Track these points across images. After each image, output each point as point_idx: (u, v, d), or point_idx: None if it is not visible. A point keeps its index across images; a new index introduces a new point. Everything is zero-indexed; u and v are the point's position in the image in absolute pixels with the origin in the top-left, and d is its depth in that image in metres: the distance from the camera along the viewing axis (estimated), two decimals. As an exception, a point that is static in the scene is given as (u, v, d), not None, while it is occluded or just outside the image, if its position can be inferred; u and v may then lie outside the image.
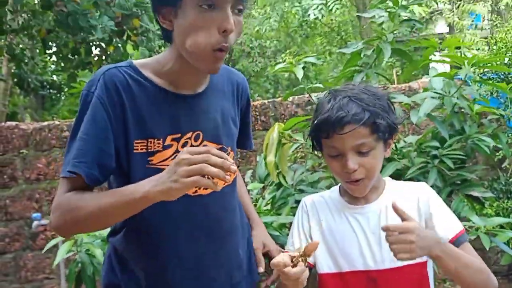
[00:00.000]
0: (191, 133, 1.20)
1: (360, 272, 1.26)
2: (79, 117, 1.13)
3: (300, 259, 1.06)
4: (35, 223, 3.31)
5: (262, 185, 2.25)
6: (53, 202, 1.13)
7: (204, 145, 1.21)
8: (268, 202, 2.08)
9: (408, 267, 1.23)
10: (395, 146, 2.36)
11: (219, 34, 1.07)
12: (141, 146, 1.15)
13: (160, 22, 1.15)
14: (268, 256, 1.48)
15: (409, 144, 2.44)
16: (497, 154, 3.34)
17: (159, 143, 1.16)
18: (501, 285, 3.81)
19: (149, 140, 1.15)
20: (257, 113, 3.99)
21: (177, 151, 1.17)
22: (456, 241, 1.24)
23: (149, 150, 1.16)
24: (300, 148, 2.41)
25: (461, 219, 2.04)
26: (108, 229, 1.29)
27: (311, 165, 2.25)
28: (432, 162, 2.16)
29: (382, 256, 1.24)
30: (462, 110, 2.36)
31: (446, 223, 1.26)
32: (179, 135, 1.18)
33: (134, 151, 1.15)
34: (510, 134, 3.22)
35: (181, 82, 1.20)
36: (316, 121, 1.24)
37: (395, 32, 2.27)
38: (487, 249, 1.91)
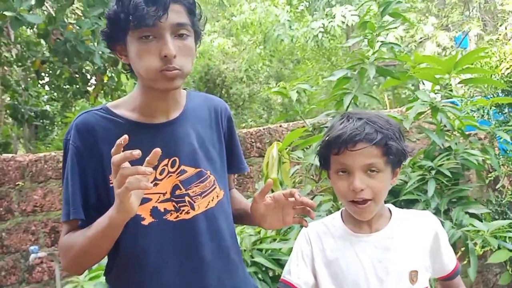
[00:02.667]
0: (167, 160, 1.23)
1: None
2: (63, 163, 1.24)
3: None
4: (32, 255, 3.27)
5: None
6: (60, 239, 1.24)
7: (181, 170, 1.25)
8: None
9: None
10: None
11: (161, 59, 1.13)
12: None
13: (119, 57, 1.24)
14: None
15: (403, 165, 2.49)
16: (489, 175, 3.39)
17: None
18: (501, 305, 3.80)
19: None
20: (253, 140, 4.03)
21: (155, 179, 1.21)
22: (456, 272, 1.33)
23: None
24: (297, 173, 2.45)
25: (463, 226, 2.07)
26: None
27: (310, 190, 2.28)
28: (430, 174, 2.21)
29: (389, 285, 1.24)
30: (448, 130, 2.44)
31: (450, 256, 1.33)
32: (156, 163, 1.21)
33: (111, 184, 1.16)
34: (501, 155, 3.28)
35: (153, 111, 1.25)
36: (328, 137, 1.25)
37: (375, 54, 2.35)
38: (495, 248, 1.95)
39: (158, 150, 1.02)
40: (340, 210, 1.39)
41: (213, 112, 1.38)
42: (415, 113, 2.24)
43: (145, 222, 1.20)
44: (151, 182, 1.19)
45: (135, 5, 1.10)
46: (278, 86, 2.50)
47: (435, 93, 2.56)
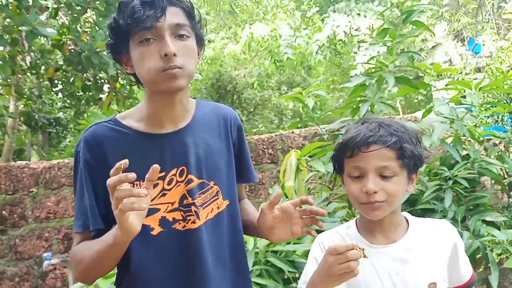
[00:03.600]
0: (175, 169, 1.24)
1: None
2: (74, 175, 1.26)
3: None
4: (45, 262, 3.30)
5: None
6: (71, 251, 1.25)
7: (188, 179, 1.25)
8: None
9: None
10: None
11: (162, 59, 1.14)
12: None
13: (124, 69, 1.26)
14: None
15: (418, 172, 2.47)
16: (504, 180, 3.35)
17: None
18: (518, 313, 3.74)
19: (135, 183, 1.17)
20: (265, 146, 4.03)
21: (163, 189, 1.22)
22: (472, 282, 1.30)
23: None
24: (312, 179, 2.43)
25: (481, 235, 2.04)
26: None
27: (325, 197, 2.27)
28: (447, 184, 2.18)
29: None
30: (465, 137, 2.41)
31: (466, 265, 1.30)
32: (164, 173, 1.22)
33: None
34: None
35: (160, 121, 1.25)
36: (342, 140, 1.24)
37: (394, 62, 2.33)
38: None
39: (156, 166, 1.02)
40: (354, 219, 1.36)
41: (222, 121, 1.37)
42: (440, 133, 2.20)
43: (154, 232, 1.21)
44: (159, 193, 1.21)
45: (132, 9, 1.13)
46: (293, 92, 2.49)
47: (460, 101, 2.52)
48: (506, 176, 3.43)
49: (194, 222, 1.23)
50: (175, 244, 1.23)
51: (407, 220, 1.30)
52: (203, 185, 1.27)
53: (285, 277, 1.88)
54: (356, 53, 8.01)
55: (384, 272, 1.23)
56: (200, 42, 1.27)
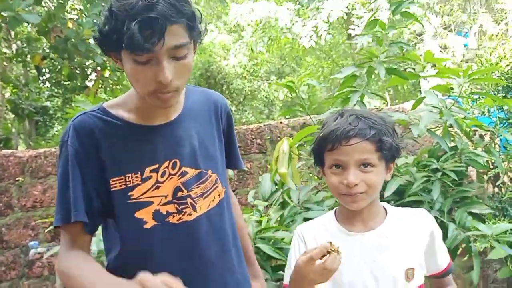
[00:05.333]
0: (167, 162, 1.21)
1: None
2: (60, 166, 1.18)
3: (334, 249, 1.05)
4: (32, 251, 3.28)
5: (266, 203, 2.27)
6: (59, 254, 1.18)
7: (182, 172, 1.23)
8: (277, 220, 2.10)
9: None
10: (396, 164, 2.40)
11: (155, 83, 1.07)
12: (119, 183, 1.18)
13: (114, 61, 1.18)
14: None
15: (406, 164, 2.50)
16: (490, 172, 3.39)
17: (137, 177, 1.18)
18: (502, 302, 3.81)
19: (127, 175, 1.18)
20: (253, 136, 4.02)
21: (157, 182, 1.20)
22: (448, 270, 1.34)
23: (128, 186, 1.18)
24: (302, 169, 2.44)
25: (466, 229, 2.07)
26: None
27: (314, 185, 2.28)
28: (435, 176, 2.21)
29: (385, 284, 1.24)
30: (453, 129, 2.43)
31: (443, 254, 1.33)
32: (157, 165, 1.20)
33: (112, 189, 1.17)
34: (502, 152, 3.28)
35: (152, 114, 1.21)
36: (322, 134, 1.25)
37: (384, 52, 2.33)
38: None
39: None
40: (333, 210, 1.39)
41: (212, 107, 1.36)
42: (427, 122, 2.21)
43: (148, 226, 1.19)
44: (153, 185, 1.19)
45: (129, 34, 1.00)
46: (284, 80, 2.48)
47: (443, 95, 2.54)
48: (491, 167, 3.47)
49: (190, 214, 1.22)
50: (170, 237, 1.21)
51: (385, 210, 1.33)
52: (201, 175, 1.26)
53: (273, 264, 1.89)
54: (351, 35, 7.93)
55: (361, 259, 1.26)
56: (198, 41, 1.18)
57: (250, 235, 1.66)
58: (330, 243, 1.05)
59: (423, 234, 1.29)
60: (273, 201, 2.31)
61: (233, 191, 2.21)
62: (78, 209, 1.14)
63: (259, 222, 2.05)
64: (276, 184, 2.40)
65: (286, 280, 1.34)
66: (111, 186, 1.17)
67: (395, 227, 1.29)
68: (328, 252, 1.05)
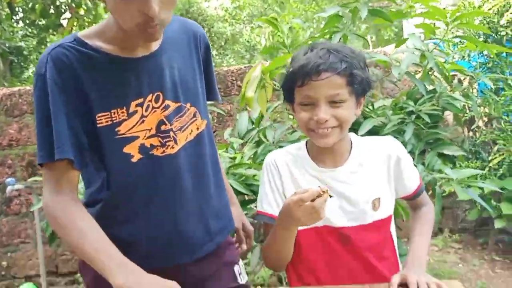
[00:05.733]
0: (151, 95, 1.19)
1: (334, 229, 1.29)
2: (37, 101, 1.12)
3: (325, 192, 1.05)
4: (9, 188, 3.25)
5: (241, 141, 2.28)
6: (44, 194, 1.15)
7: (165, 105, 1.21)
8: (250, 157, 2.11)
9: (376, 223, 1.30)
10: (372, 105, 2.42)
11: (142, 16, 1.03)
12: (105, 119, 1.15)
13: None
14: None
15: (383, 106, 2.51)
16: (465, 115, 3.45)
17: (123, 112, 1.16)
18: (469, 241, 3.99)
19: (113, 111, 1.15)
20: (234, 78, 3.98)
21: (142, 116, 1.18)
22: (419, 191, 1.37)
23: (115, 121, 1.16)
24: (279, 108, 2.44)
25: (435, 172, 2.13)
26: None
27: (290, 125, 2.29)
28: (409, 118, 2.23)
29: (353, 215, 1.28)
30: (433, 73, 2.43)
31: (412, 177, 1.35)
32: (142, 99, 1.18)
33: (99, 125, 1.15)
34: (479, 97, 3.33)
35: (132, 45, 1.17)
36: (292, 69, 1.23)
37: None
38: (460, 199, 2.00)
39: None
40: (305, 141, 1.39)
41: (192, 38, 1.33)
42: (409, 63, 2.20)
43: (134, 159, 1.19)
44: (139, 120, 1.18)
45: None
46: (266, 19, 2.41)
47: (426, 39, 2.52)
48: (467, 112, 3.53)
49: (172, 147, 1.22)
50: (155, 169, 1.21)
51: (352, 142, 1.35)
52: (180, 109, 1.25)
53: (242, 199, 1.92)
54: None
55: (331, 193, 1.27)
56: None
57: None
58: (320, 187, 1.06)
59: (389, 161, 1.32)
60: (248, 139, 2.32)
61: (213, 132, 2.21)
62: (62, 145, 1.10)
63: (233, 158, 2.07)
64: (252, 123, 2.40)
65: (259, 207, 1.38)
66: (97, 122, 1.14)
67: (362, 160, 1.31)
68: (319, 196, 1.05)
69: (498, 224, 3.45)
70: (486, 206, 2.20)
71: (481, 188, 3.27)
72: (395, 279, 1.16)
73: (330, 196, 1.07)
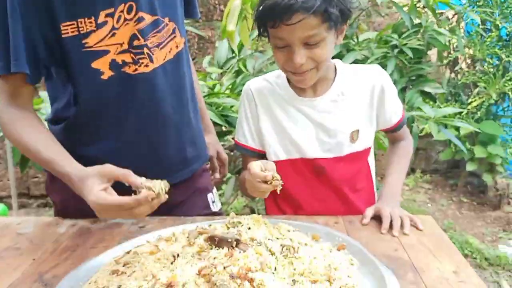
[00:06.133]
0: (123, 5, 1.09)
1: (309, 160, 1.26)
2: None
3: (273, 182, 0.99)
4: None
5: (220, 70, 2.19)
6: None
7: (138, 17, 1.11)
8: (228, 87, 2.04)
9: (352, 155, 1.27)
10: (356, 37, 2.34)
11: None
12: (71, 28, 1.06)
13: None
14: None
15: (368, 39, 2.44)
16: (450, 55, 3.41)
17: (91, 22, 1.06)
18: (439, 182, 4.09)
19: (79, 20, 1.06)
20: (216, 2, 3.79)
21: (113, 28, 1.09)
22: (400, 124, 1.33)
23: (82, 32, 1.06)
24: (258, 40, 2.34)
25: (414, 109, 2.11)
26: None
27: (271, 55, 2.21)
28: (392, 52, 2.18)
29: (330, 146, 1.25)
30: (420, 7, 2.36)
31: (394, 110, 1.30)
32: (112, 9, 1.08)
33: (64, 35, 1.06)
34: (465, 37, 3.26)
35: None
36: (262, 8, 1.12)
37: None
38: (434, 137, 2.00)
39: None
40: None
41: None
42: None
43: (105, 77, 1.11)
44: (109, 33, 1.08)
45: None
46: None
47: None
48: (452, 52, 3.48)
49: (146, 66, 1.13)
50: (126, 88, 1.13)
51: (336, 70, 1.28)
52: (157, 23, 1.15)
53: (220, 130, 1.87)
54: None
55: (308, 123, 1.26)
56: None
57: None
58: (273, 177, 0.97)
59: (372, 90, 1.27)
60: (228, 69, 2.24)
61: (192, 59, 2.11)
62: (19, 58, 1.04)
63: (211, 88, 1.99)
64: (233, 51, 2.30)
65: (236, 137, 1.35)
66: (62, 32, 1.05)
67: (344, 88, 1.26)
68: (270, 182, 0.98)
69: (470, 167, 3.52)
70: (461, 146, 2.21)
71: (457, 130, 3.32)
72: (369, 212, 1.15)
73: (281, 185, 0.99)
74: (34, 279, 0.90)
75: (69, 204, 1.26)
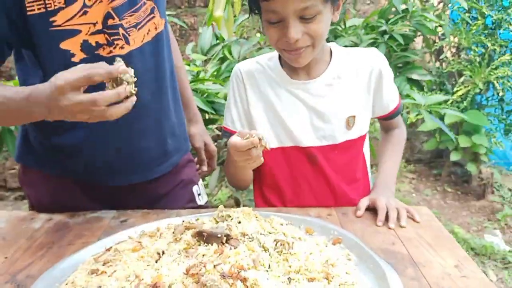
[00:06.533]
0: None
1: (302, 148, 1.20)
2: None
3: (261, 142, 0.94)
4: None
5: (205, 57, 2.12)
6: None
7: None
8: (213, 74, 1.97)
9: (347, 143, 1.20)
10: (344, 23, 2.29)
11: None
12: (37, 5, 0.97)
13: None
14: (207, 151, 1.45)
15: (354, 26, 2.41)
16: (436, 44, 3.38)
17: None
18: (423, 172, 4.08)
19: None
20: (198, -11, 3.70)
21: (84, 6, 1.00)
22: (396, 112, 1.27)
23: (49, 9, 0.98)
24: (245, 22, 2.28)
25: (403, 97, 2.08)
26: None
27: (257, 42, 2.14)
28: (382, 38, 2.14)
29: (325, 133, 1.19)
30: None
31: (391, 96, 1.24)
32: None
33: (29, 13, 0.97)
34: (450, 25, 3.24)
35: None
36: None
37: None
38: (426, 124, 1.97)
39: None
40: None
41: None
42: None
43: (76, 59, 1.02)
44: (79, 10, 1.00)
45: None
46: None
47: None
48: (437, 41, 3.46)
49: (122, 48, 1.05)
50: None
51: (331, 53, 1.21)
52: (134, 1, 1.07)
53: (206, 118, 1.80)
54: None
55: (302, 108, 1.19)
56: None
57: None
58: (260, 139, 0.92)
59: (370, 74, 1.20)
60: (212, 56, 2.16)
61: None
62: None
63: (196, 75, 1.91)
64: (217, 38, 2.23)
65: (224, 122, 1.27)
66: (28, 8, 0.97)
67: (340, 72, 1.19)
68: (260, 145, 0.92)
69: (454, 157, 3.51)
70: (451, 135, 2.20)
71: (441, 120, 3.30)
72: (363, 203, 1.10)
73: (267, 149, 0.94)
74: (6, 279, 0.83)
75: (44, 198, 1.19)
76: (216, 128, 2.20)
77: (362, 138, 1.24)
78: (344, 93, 1.19)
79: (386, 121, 1.31)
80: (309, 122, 1.19)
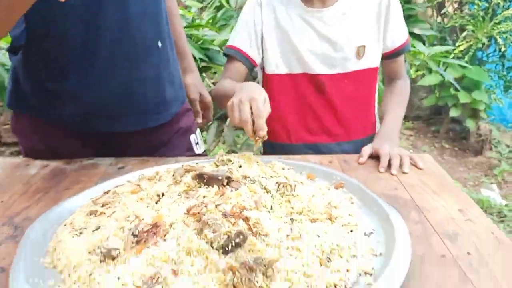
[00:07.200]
0: None
1: (312, 76, 1.23)
2: None
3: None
4: None
5: (200, 5, 2.05)
6: None
7: None
8: (209, 21, 1.91)
9: (356, 72, 1.23)
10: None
11: None
12: None
13: None
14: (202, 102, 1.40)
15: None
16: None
17: None
18: (421, 129, 4.07)
19: None
20: None
21: None
22: (404, 48, 1.27)
23: None
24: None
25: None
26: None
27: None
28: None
29: (335, 61, 1.22)
30: None
31: (399, 31, 1.26)
32: None
33: None
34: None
35: None
36: None
37: None
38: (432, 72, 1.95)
39: None
40: None
41: None
42: None
43: None
44: None
45: None
46: None
47: None
48: (440, -6, 3.37)
49: None
50: (93, 12, 0.99)
51: None
52: None
53: (199, 66, 1.75)
54: None
55: (314, 35, 1.22)
56: None
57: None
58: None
59: (380, 9, 1.23)
60: (208, 3, 2.10)
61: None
62: None
63: (191, 21, 1.85)
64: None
65: (231, 41, 1.28)
66: None
67: (352, 4, 1.22)
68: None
69: (453, 113, 3.49)
70: (455, 84, 2.18)
71: (442, 77, 3.27)
72: (366, 151, 1.08)
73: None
74: (3, 221, 0.81)
75: (36, 145, 1.15)
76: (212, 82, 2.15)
77: (371, 71, 1.26)
78: (356, 22, 1.22)
79: (391, 64, 1.30)
80: (320, 50, 1.22)
